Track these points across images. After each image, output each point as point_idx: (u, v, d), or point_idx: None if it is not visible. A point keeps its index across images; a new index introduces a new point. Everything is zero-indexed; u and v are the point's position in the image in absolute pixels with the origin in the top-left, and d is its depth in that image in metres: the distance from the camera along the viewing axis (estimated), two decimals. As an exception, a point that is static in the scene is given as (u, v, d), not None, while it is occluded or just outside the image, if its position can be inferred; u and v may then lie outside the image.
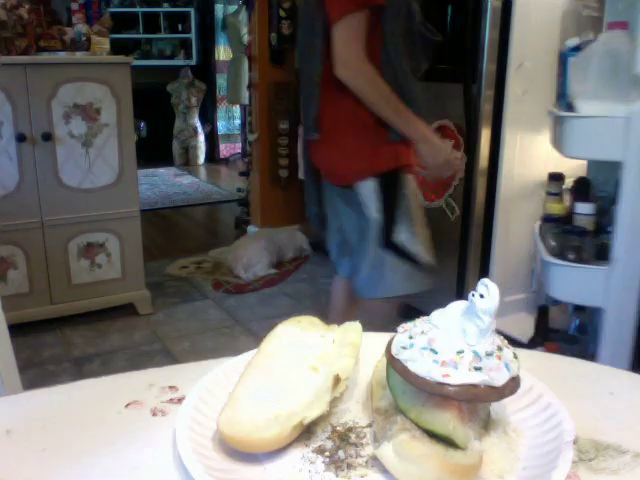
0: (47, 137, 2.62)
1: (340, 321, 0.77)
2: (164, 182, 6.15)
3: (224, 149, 7.25)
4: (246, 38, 4.54)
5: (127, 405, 0.69)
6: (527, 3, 2.33)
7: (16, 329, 1.61)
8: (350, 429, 0.64)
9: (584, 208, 1.73)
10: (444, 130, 2.54)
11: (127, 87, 2.77)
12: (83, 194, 2.76)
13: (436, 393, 0.56)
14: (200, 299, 3.25)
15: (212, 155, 7.10)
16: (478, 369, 0.56)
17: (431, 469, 0.54)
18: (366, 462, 0.59)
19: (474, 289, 0.59)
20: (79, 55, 2.77)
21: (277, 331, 0.75)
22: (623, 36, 1.55)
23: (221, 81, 6.89)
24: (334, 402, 0.65)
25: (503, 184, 2.49)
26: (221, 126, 7.25)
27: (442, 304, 0.62)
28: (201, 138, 6.88)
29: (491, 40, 2.36)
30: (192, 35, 6.92)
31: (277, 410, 0.61)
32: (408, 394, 0.59)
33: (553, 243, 1.73)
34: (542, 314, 2.13)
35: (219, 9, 6.89)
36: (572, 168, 2.02)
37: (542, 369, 0.73)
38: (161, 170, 6.60)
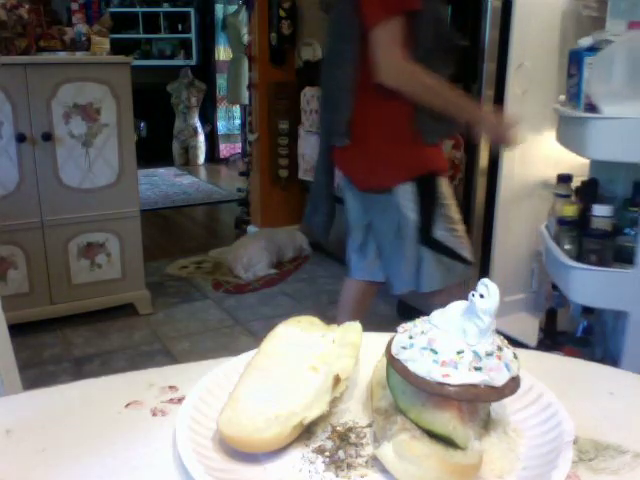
0: (47, 137, 2.62)
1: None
2: (164, 182, 6.15)
3: (224, 149, 7.25)
4: (246, 38, 4.54)
5: (127, 405, 0.69)
6: (527, 3, 2.33)
7: (16, 329, 1.61)
8: (350, 429, 0.64)
9: (602, 210, 1.67)
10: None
11: (127, 87, 2.77)
12: (83, 194, 2.76)
13: (436, 393, 0.56)
14: (200, 299, 3.25)
15: (212, 155, 7.09)
16: (478, 369, 0.56)
17: (431, 469, 0.54)
18: (366, 462, 0.59)
19: (474, 289, 0.59)
20: (79, 55, 2.77)
21: (277, 331, 0.75)
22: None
23: (221, 81, 6.88)
24: (334, 402, 0.65)
25: (503, 184, 2.49)
26: (221, 126, 7.25)
27: (442, 304, 0.62)
28: (201, 138, 6.88)
29: (491, 40, 2.36)
30: (192, 35, 6.92)
31: (277, 410, 0.61)
32: (408, 394, 0.59)
33: (568, 246, 1.70)
34: (550, 317, 2.11)
35: (219, 9, 6.89)
36: (573, 168, 2.01)
37: (542, 369, 0.73)
38: (161, 170, 6.60)
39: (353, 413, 0.67)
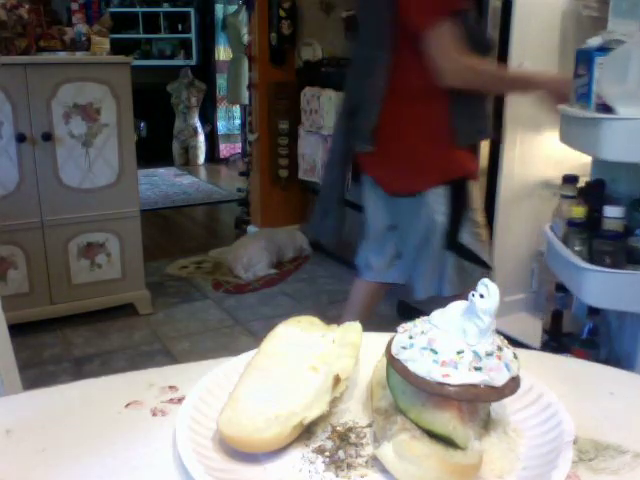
0: (47, 137, 2.62)
1: None
2: (164, 182, 6.15)
3: (224, 149, 7.25)
4: (246, 38, 4.54)
5: (127, 405, 0.69)
6: (527, 3, 2.33)
7: (16, 329, 1.61)
8: (350, 429, 0.64)
9: (613, 211, 1.65)
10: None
11: (127, 87, 2.77)
12: (83, 194, 2.76)
13: (436, 393, 0.56)
14: (200, 299, 3.25)
15: (212, 155, 7.09)
16: (478, 369, 0.56)
17: (431, 469, 0.54)
18: (366, 462, 0.59)
19: (474, 289, 0.59)
20: (79, 55, 2.77)
21: (277, 331, 0.75)
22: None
23: (221, 81, 6.88)
24: (334, 402, 0.65)
25: (503, 184, 2.49)
26: (221, 126, 7.24)
27: (442, 304, 0.62)
28: (201, 138, 6.87)
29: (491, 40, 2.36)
30: (192, 35, 6.92)
31: (277, 410, 0.61)
32: (408, 394, 0.59)
33: (578, 248, 1.70)
34: (556, 318, 2.10)
35: (219, 9, 6.88)
36: (574, 168, 2.01)
37: (542, 369, 0.73)
38: (161, 170, 6.60)
39: (353, 413, 0.67)
